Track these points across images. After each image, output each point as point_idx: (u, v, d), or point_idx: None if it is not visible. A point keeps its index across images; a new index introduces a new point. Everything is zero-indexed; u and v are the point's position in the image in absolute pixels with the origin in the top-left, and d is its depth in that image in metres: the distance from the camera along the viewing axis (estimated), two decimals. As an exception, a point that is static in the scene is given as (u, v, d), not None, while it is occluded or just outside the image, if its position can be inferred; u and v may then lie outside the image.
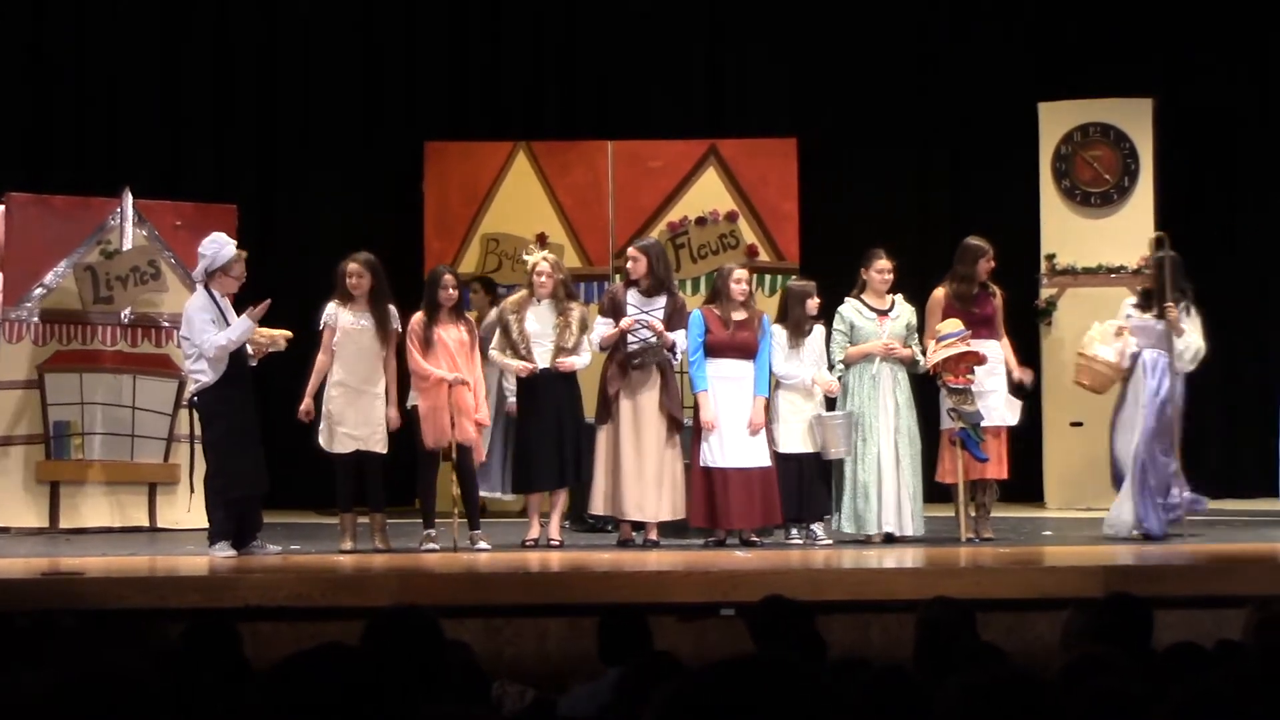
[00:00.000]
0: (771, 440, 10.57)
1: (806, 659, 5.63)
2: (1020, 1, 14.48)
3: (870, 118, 14.43)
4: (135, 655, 5.28)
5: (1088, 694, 4.03)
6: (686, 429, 10.66)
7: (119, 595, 8.42)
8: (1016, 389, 10.82)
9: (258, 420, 10.18)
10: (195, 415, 10.26)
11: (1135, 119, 13.46)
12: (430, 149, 13.59)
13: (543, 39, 14.71)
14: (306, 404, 10.28)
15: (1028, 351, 12.47)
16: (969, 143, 14.51)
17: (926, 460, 10.96)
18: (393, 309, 10.42)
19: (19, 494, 11.69)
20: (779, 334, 10.67)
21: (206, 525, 10.24)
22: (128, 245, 11.88)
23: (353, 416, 10.28)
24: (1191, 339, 10.72)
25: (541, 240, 12.95)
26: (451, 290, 10.46)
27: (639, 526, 10.66)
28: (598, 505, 10.68)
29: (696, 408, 10.61)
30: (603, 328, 10.68)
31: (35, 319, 11.79)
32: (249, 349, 10.12)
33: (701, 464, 10.51)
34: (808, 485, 10.61)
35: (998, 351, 10.85)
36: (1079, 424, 13.02)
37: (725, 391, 10.55)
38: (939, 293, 10.87)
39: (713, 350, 10.58)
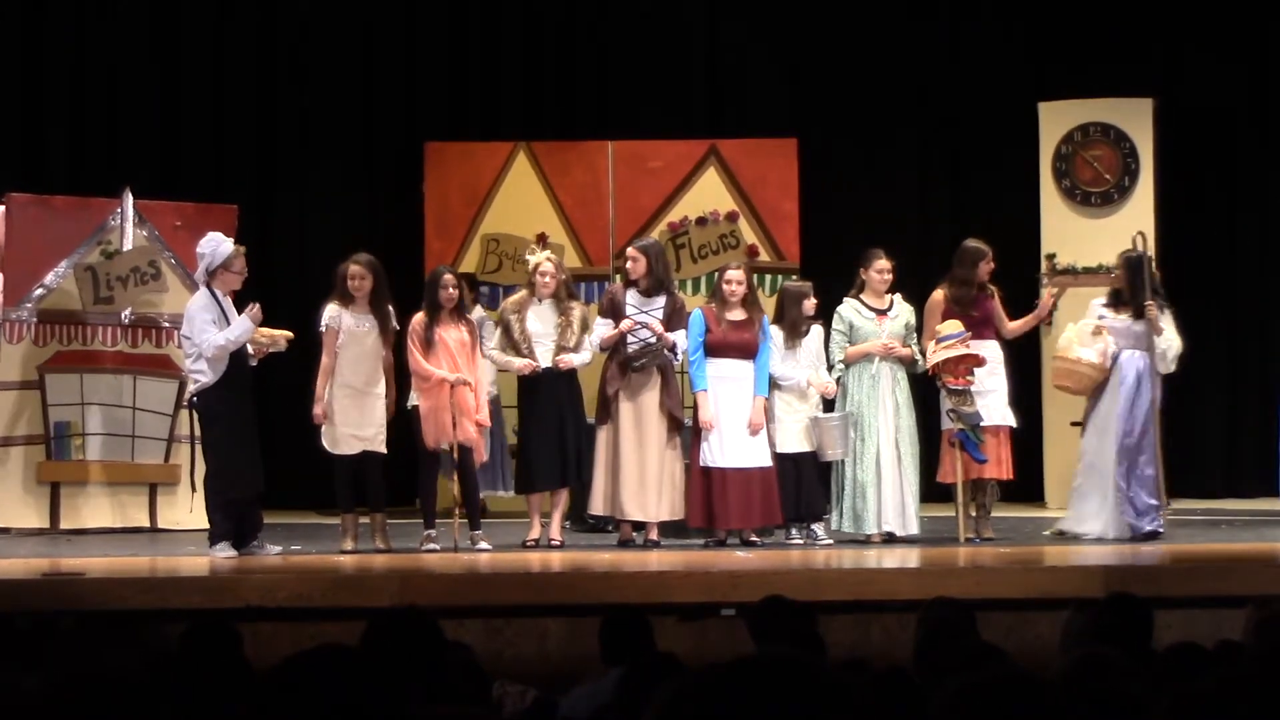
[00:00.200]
0: (770, 441, 10.57)
1: (806, 659, 5.63)
2: (1020, 1, 14.48)
3: (870, 118, 14.43)
4: (135, 656, 5.28)
5: (1088, 694, 4.04)
6: (687, 429, 10.67)
7: (119, 596, 8.42)
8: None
9: (257, 421, 10.18)
10: (195, 415, 10.26)
11: (1135, 119, 13.46)
12: (430, 149, 13.59)
13: (542, 39, 14.71)
14: (321, 407, 10.26)
15: (1028, 352, 12.49)
16: (969, 143, 14.51)
17: (927, 461, 10.97)
18: (390, 309, 10.43)
19: (19, 494, 11.68)
20: (775, 334, 10.67)
21: (207, 526, 10.24)
22: (128, 245, 11.87)
23: (356, 418, 10.29)
24: (1171, 338, 10.73)
25: (542, 240, 12.95)
26: (452, 290, 10.46)
27: (639, 527, 10.66)
28: (598, 506, 10.69)
29: (696, 408, 10.61)
30: (602, 329, 10.68)
31: (35, 319, 11.79)
32: (249, 349, 10.12)
33: (701, 464, 10.51)
34: (806, 485, 10.61)
35: (997, 352, 10.86)
36: (1080, 424, 13.01)
37: (725, 391, 10.55)
38: (938, 295, 10.87)
39: (712, 350, 10.59)
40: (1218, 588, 8.45)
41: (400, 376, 10.63)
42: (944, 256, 11.50)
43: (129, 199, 11.87)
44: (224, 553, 9.85)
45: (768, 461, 10.51)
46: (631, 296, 10.71)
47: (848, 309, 10.83)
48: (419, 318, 10.47)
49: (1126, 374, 10.54)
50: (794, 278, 11.88)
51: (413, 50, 14.68)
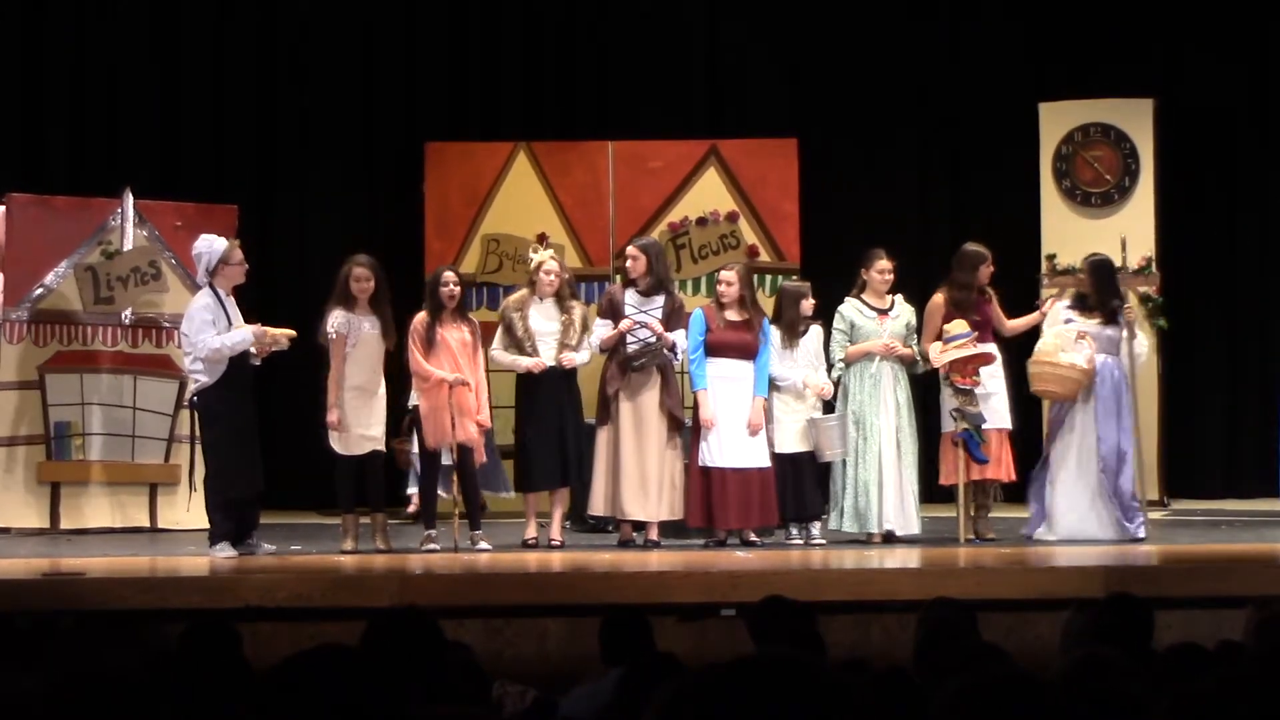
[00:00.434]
0: (769, 441, 10.58)
1: (806, 659, 5.63)
2: (1020, 1, 14.48)
3: (870, 118, 14.43)
4: (135, 656, 5.28)
5: (1088, 694, 4.03)
6: (687, 429, 10.67)
7: (119, 596, 8.42)
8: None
9: (257, 421, 10.18)
10: (195, 415, 10.26)
11: (1135, 119, 13.45)
12: (430, 149, 13.58)
13: (542, 39, 14.71)
14: (336, 414, 10.23)
15: (1027, 354, 12.46)
16: (969, 143, 14.51)
17: (927, 461, 10.98)
18: (389, 309, 10.44)
19: (20, 494, 11.68)
20: (774, 335, 10.68)
21: (207, 526, 10.24)
22: (128, 246, 11.87)
23: (365, 418, 10.29)
24: (1144, 341, 10.74)
25: (542, 240, 12.95)
26: (454, 289, 10.46)
27: (639, 527, 10.66)
28: (598, 506, 10.69)
29: (696, 407, 10.62)
30: (602, 329, 10.68)
31: (36, 319, 11.78)
32: (253, 349, 10.10)
33: (700, 464, 10.52)
34: (804, 486, 10.61)
35: (997, 354, 10.87)
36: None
37: (724, 391, 10.56)
38: (938, 298, 10.87)
39: (712, 350, 10.60)
40: (1218, 588, 8.45)
41: (402, 376, 10.62)
42: (944, 257, 11.50)
43: (129, 199, 11.87)
44: (224, 553, 9.85)
45: (766, 462, 10.52)
46: (630, 296, 10.72)
47: (849, 308, 10.83)
48: (421, 317, 10.47)
49: (1104, 379, 10.55)
50: (794, 278, 11.88)
51: (413, 50, 14.68)
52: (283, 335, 10.21)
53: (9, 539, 11.30)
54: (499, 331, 10.72)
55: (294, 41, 14.54)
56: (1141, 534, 10.44)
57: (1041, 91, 13.78)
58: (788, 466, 10.57)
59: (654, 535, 10.61)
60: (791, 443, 10.60)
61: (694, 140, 13.53)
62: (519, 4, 14.71)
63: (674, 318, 10.68)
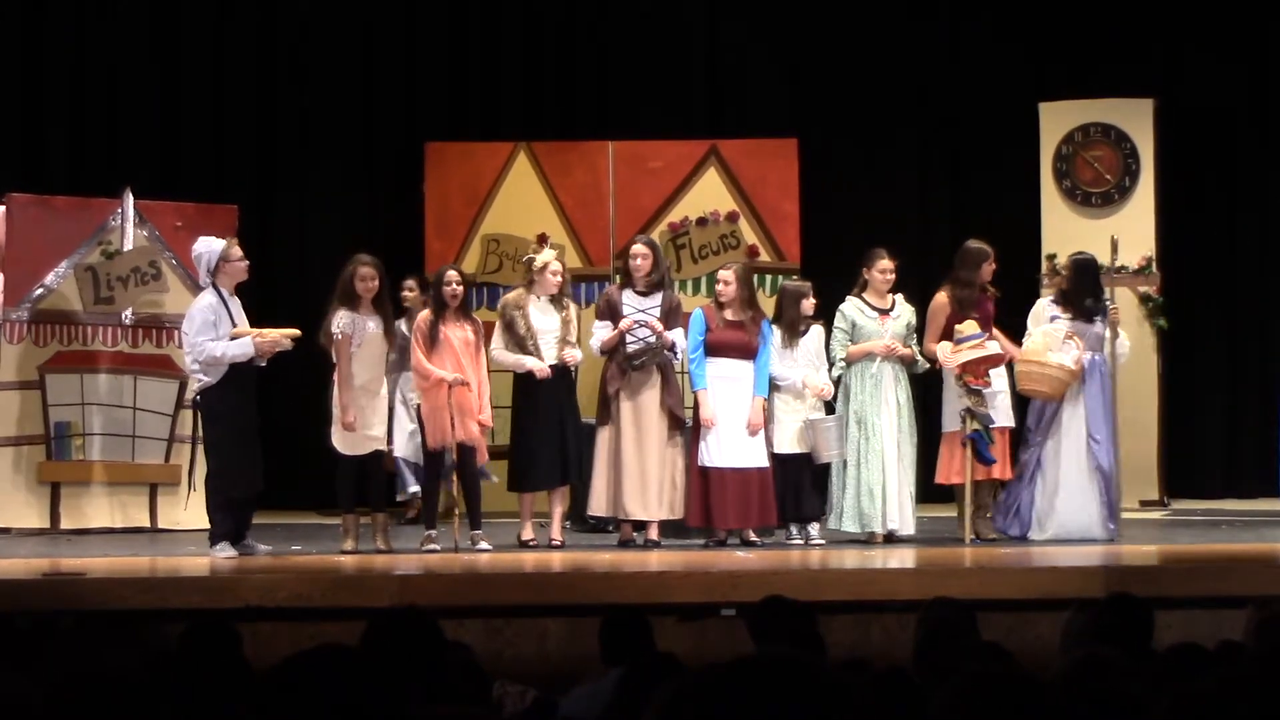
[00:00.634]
0: (768, 441, 10.58)
1: (806, 659, 5.63)
2: (1020, 1, 14.47)
3: (870, 118, 14.43)
4: (135, 656, 5.28)
5: (1088, 694, 4.03)
6: (687, 428, 10.67)
7: (119, 596, 8.42)
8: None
9: (259, 421, 10.18)
10: (197, 414, 10.26)
11: (1136, 119, 13.45)
12: (430, 149, 13.58)
13: (542, 39, 14.71)
14: (353, 414, 10.22)
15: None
16: (969, 143, 14.50)
17: (925, 461, 10.97)
18: (390, 308, 10.44)
19: (20, 494, 11.68)
20: (774, 334, 10.68)
21: (207, 526, 10.24)
22: (128, 246, 11.87)
23: (369, 418, 10.29)
24: (1125, 342, 10.74)
25: (542, 240, 12.96)
26: (456, 288, 10.46)
27: (640, 527, 10.66)
28: (600, 507, 10.68)
29: (696, 406, 10.62)
30: (602, 331, 10.68)
31: (36, 319, 11.78)
32: (258, 349, 10.07)
33: (699, 463, 10.52)
34: (804, 486, 10.61)
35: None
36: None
37: (724, 391, 10.56)
38: (942, 297, 10.87)
39: (711, 349, 10.60)
40: (1218, 588, 8.45)
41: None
42: (944, 257, 11.49)
43: (129, 199, 11.87)
44: (224, 553, 9.85)
45: (766, 462, 10.52)
46: (628, 297, 10.72)
47: (850, 308, 10.83)
48: (424, 315, 10.48)
49: (1091, 377, 10.56)
50: (794, 278, 11.88)
51: (413, 50, 14.68)
52: (285, 336, 10.18)
53: (9, 539, 11.30)
54: (499, 330, 10.69)
55: (294, 41, 14.54)
56: (1116, 533, 10.50)
57: (1041, 91, 13.78)
58: (788, 467, 10.57)
59: (654, 535, 10.61)
60: (791, 443, 10.60)
61: (694, 140, 13.53)
62: (519, 4, 14.71)
63: (672, 316, 10.69)
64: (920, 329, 10.93)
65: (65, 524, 11.66)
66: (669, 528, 10.66)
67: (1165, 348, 13.41)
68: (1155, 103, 13.50)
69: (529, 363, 10.53)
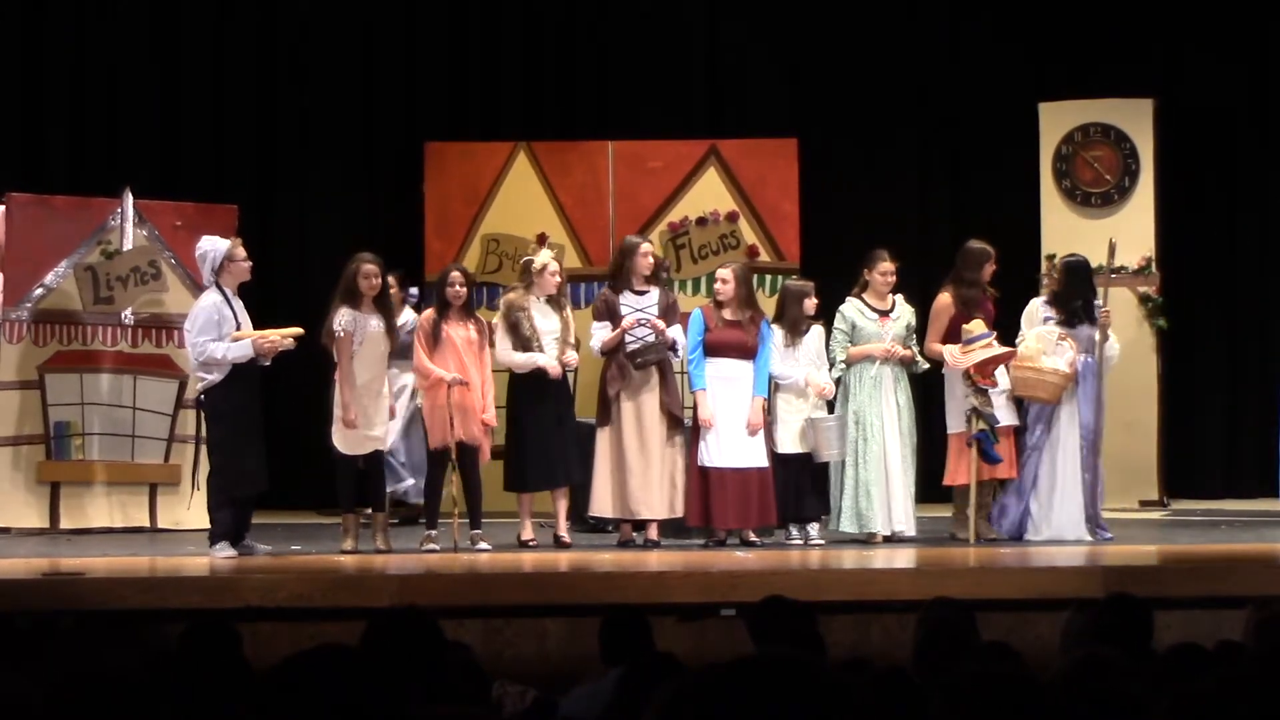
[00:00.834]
0: (770, 440, 10.58)
1: (806, 659, 5.63)
2: (1020, 1, 14.48)
3: (870, 118, 14.43)
4: (135, 656, 5.28)
5: (1088, 694, 4.03)
6: (686, 428, 10.67)
7: (119, 596, 8.42)
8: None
9: (263, 420, 10.18)
10: (200, 413, 10.26)
11: (1135, 119, 13.45)
12: (430, 149, 13.58)
13: (542, 39, 14.71)
14: (354, 412, 10.21)
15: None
16: (969, 143, 14.50)
17: (927, 461, 10.97)
18: (392, 307, 10.43)
19: (19, 494, 11.68)
20: (776, 333, 10.68)
21: (208, 525, 10.23)
22: (128, 245, 11.87)
23: (369, 417, 10.28)
24: (1115, 345, 10.74)
25: (542, 240, 12.96)
26: (460, 288, 10.46)
27: (639, 526, 10.67)
28: (603, 508, 10.67)
29: (695, 406, 10.62)
30: (601, 331, 10.68)
31: (35, 319, 11.78)
32: (259, 351, 10.07)
33: (699, 463, 10.52)
34: (805, 486, 10.61)
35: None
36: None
37: (723, 391, 10.56)
38: (945, 298, 10.87)
39: (710, 349, 10.60)
40: (1218, 588, 8.45)
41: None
42: (944, 257, 11.49)
43: (129, 199, 11.87)
44: (224, 552, 9.84)
45: (765, 462, 10.52)
46: (625, 296, 10.73)
47: (850, 309, 10.83)
48: (427, 314, 10.49)
49: (1085, 378, 10.57)
50: (794, 277, 11.88)
51: (413, 50, 14.68)
52: (287, 336, 10.17)
53: (9, 539, 11.29)
54: (502, 332, 10.65)
55: (294, 41, 14.54)
56: (1109, 534, 10.50)
57: (1041, 91, 13.78)
58: (790, 467, 10.57)
59: (654, 535, 10.61)
60: (793, 442, 10.60)
61: (694, 140, 13.53)
62: (519, 4, 14.71)
63: (669, 314, 10.71)
64: (920, 329, 10.93)
65: (65, 524, 11.66)
66: (668, 528, 10.66)
67: (1165, 348, 13.41)
68: (1155, 103, 13.50)
69: (541, 360, 10.53)
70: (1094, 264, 11.06)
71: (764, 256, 13.17)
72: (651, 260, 10.81)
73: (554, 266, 10.71)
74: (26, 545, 10.95)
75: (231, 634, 5.31)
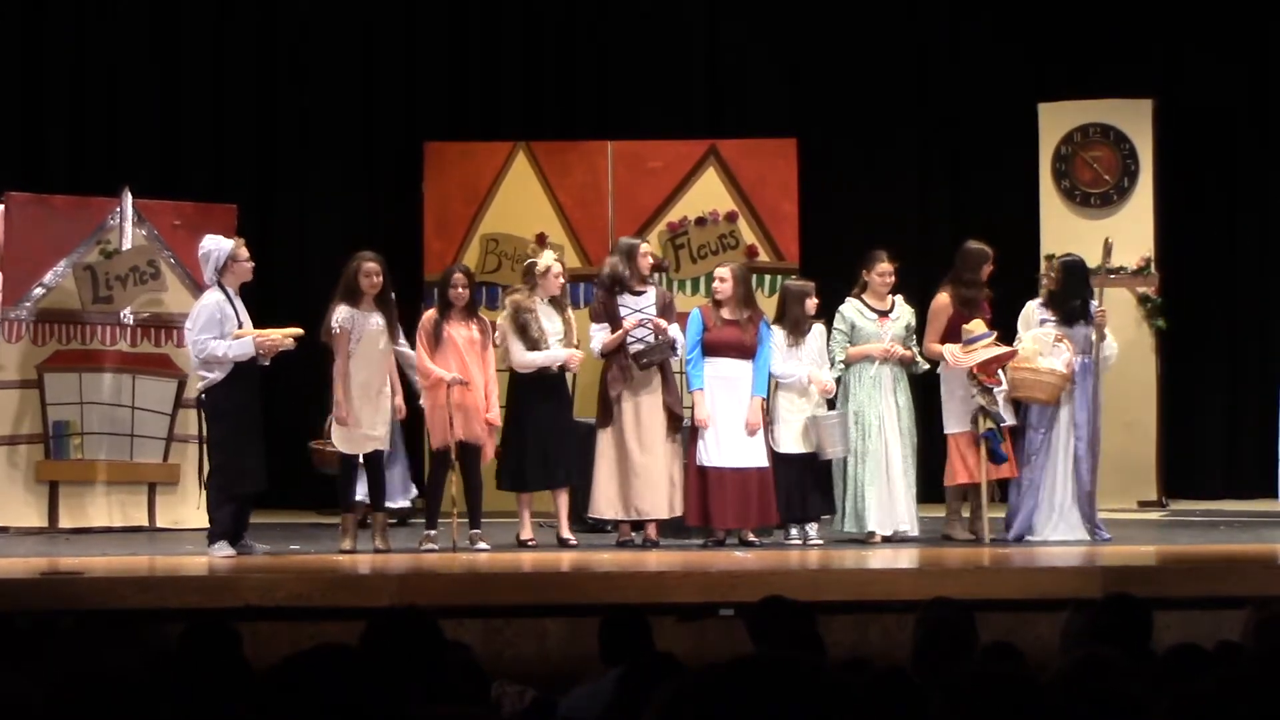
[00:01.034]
0: (772, 440, 10.58)
1: (806, 659, 5.63)
2: (1020, 1, 14.47)
3: (870, 118, 14.42)
4: (135, 656, 5.28)
5: (1088, 694, 4.04)
6: (685, 428, 10.67)
7: (118, 595, 8.42)
8: None
9: (263, 419, 10.18)
10: (201, 412, 10.26)
11: (1135, 119, 13.45)
12: (430, 149, 13.58)
13: (542, 39, 14.70)
14: (344, 410, 10.20)
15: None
16: (969, 143, 14.50)
17: (932, 462, 10.97)
18: (395, 306, 10.43)
19: (18, 494, 11.68)
20: (777, 334, 10.68)
21: (207, 525, 10.23)
22: (127, 245, 11.87)
23: (369, 417, 10.27)
24: (1113, 345, 10.74)
25: (541, 240, 12.96)
26: (462, 290, 10.46)
27: (638, 526, 10.67)
28: (605, 509, 10.66)
29: (693, 406, 10.63)
30: (601, 333, 10.68)
31: (34, 318, 11.78)
32: (260, 351, 10.07)
33: (698, 463, 10.52)
34: (806, 486, 10.61)
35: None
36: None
37: (722, 391, 10.56)
38: (944, 297, 10.86)
39: (709, 349, 10.60)
40: (1217, 588, 8.45)
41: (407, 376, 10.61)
42: (943, 257, 11.49)
43: (128, 198, 11.87)
44: (222, 552, 9.84)
45: (764, 462, 10.52)
46: (624, 297, 10.73)
47: (850, 309, 10.84)
48: (429, 315, 10.50)
49: (1083, 378, 10.57)
50: (793, 277, 11.88)
51: (413, 50, 14.67)
52: (288, 336, 10.18)
53: (8, 538, 11.29)
54: (514, 333, 10.59)
55: (294, 41, 14.54)
56: (1107, 534, 10.50)
57: (1041, 91, 13.78)
58: (793, 465, 10.56)
59: (653, 535, 10.61)
60: (795, 442, 10.59)
61: (693, 140, 13.54)
62: (519, 4, 14.70)
63: (667, 312, 10.72)
64: (920, 330, 10.93)
65: (64, 523, 11.66)
66: (668, 527, 10.66)
67: (1165, 348, 13.41)
68: (1154, 103, 13.50)
69: (561, 355, 10.52)
70: (1091, 264, 11.06)
71: (763, 256, 13.17)
72: (652, 260, 10.82)
73: (557, 268, 10.72)
74: (25, 545, 10.95)
75: (231, 634, 5.31)
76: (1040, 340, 10.54)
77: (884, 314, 10.83)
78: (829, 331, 10.81)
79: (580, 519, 11.20)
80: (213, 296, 10.09)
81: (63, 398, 11.81)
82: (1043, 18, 14.36)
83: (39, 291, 11.79)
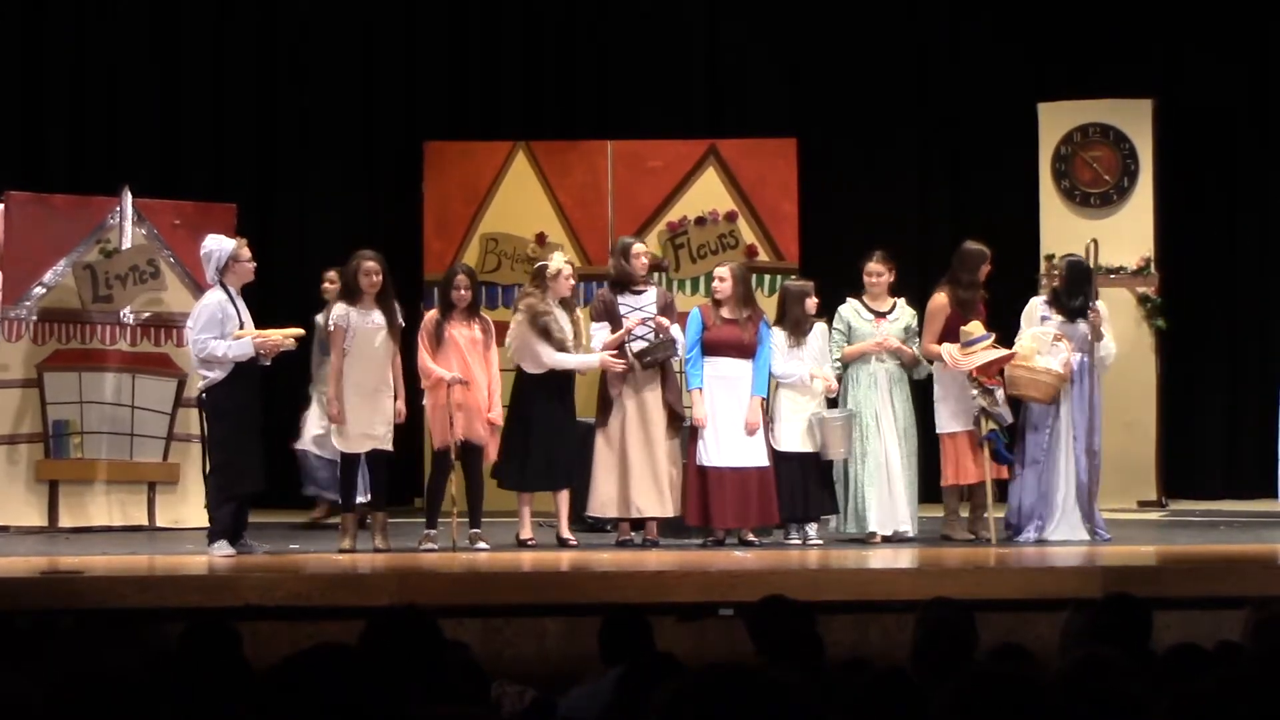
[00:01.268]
0: (773, 439, 10.57)
1: (806, 660, 5.63)
2: (1020, 1, 14.48)
3: (870, 118, 14.43)
4: (135, 656, 5.28)
5: (1088, 694, 4.04)
6: (685, 427, 10.67)
7: (118, 594, 8.42)
8: None
9: (263, 419, 10.18)
10: (201, 411, 10.26)
11: (1135, 119, 13.45)
12: (430, 149, 13.59)
13: (542, 39, 14.71)
14: (337, 408, 10.20)
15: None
16: (969, 143, 14.51)
17: (932, 462, 10.97)
18: (396, 305, 10.42)
19: (18, 493, 11.68)
20: (777, 334, 10.68)
21: (206, 524, 10.23)
22: (127, 244, 11.87)
23: (368, 416, 10.25)
24: (1110, 344, 10.74)
25: (541, 240, 12.96)
26: (465, 290, 10.45)
27: (638, 526, 10.67)
28: (607, 507, 10.66)
29: (692, 405, 10.63)
30: (602, 333, 10.67)
31: (35, 318, 11.78)
32: (260, 351, 10.07)
33: (697, 463, 10.52)
34: (810, 485, 10.61)
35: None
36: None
37: (722, 390, 10.56)
38: (941, 298, 10.86)
39: (709, 348, 10.60)
40: (1217, 588, 8.45)
41: (408, 377, 10.59)
42: (943, 257, 11.48)
43: (128, 198, 11.87)
44: (222, 551, 9.84)
45: (764, 461, 10.51)
46: (624, 296, 10.73)
47: (848, 309, 10.84)
48: (431, 315, 10.49)
49: (1081, 377, 10.57)
50: (793, 277, 11.89)
51: (413, 50, 14.68)
52: (288, 337, 10.17)
53: (8, 537, 11.29)
54: (536, 337, 10.49)
55: (294, 41, 14.54)
56: (1106, 534, 10.50)
57: (1041, 91, 13.78)
58: (794, 465, 10.56)
59: (652, 534, 10.61)
60: (797, 441, 10.59)
61: (693, 140, 13.54)
62: (519, 4, 14.71)
63: (667, 311, 10.73)
64: (920, 331, 10.92)
65: (64, 522, 11.66)
66: (667, 527, 10.66)
67: (1165, 348, 13.41)
68: (1154, 103, 13.51)
69: (594, 361, 10.52)
70: (1096, 265, 11.07)
71: (763, 256, 13.18)
72: (647, 259, 10.81)
73: (568, 270, 10.70)
74: (25, 544, 10.94)
75: (231, 633, 5.31)
76: (1039, 339, 10.53)
77: (881, 315, 10.83)
78: (830, 331, 10.81)
79: (580, 518, 11.20)
80: (215, 296, 10.09)
81: (63, 397, 11.81)
82: (1043, 18, 14.37)
83: (39, 291, 11.80)
